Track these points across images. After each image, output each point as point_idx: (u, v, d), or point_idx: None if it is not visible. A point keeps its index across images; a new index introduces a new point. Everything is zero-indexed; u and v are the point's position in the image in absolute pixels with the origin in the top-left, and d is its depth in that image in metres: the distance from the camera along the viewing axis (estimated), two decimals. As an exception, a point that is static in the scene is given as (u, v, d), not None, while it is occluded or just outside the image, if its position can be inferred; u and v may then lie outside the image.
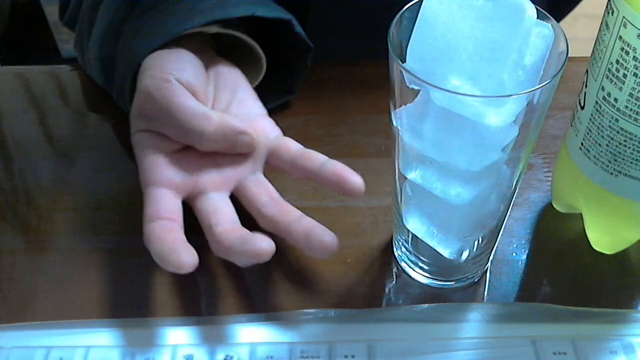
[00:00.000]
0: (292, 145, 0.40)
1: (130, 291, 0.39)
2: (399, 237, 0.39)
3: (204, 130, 0.37)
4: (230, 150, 0.39)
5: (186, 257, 0.34)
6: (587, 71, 0.36)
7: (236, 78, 0.43)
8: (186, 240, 0.35)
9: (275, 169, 0.41)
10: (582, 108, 0.36)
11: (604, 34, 0.33)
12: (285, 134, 0.47)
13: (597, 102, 0.35)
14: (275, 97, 0.48)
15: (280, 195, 0.39)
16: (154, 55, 0.40)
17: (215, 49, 0.46)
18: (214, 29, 0.43)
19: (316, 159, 0.38)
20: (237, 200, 0.39)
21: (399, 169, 0.34)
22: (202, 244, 0.39)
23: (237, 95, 0.42)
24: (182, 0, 0.42)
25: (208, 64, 0.43)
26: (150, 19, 0.42)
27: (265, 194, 0.39)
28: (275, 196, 0.39)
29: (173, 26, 0.41)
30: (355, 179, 0.37)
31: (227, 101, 0.42)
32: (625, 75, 0.32)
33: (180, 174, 0.38)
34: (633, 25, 0.31)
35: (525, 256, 0.40)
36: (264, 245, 0.34)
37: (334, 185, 0.37)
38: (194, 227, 0.38)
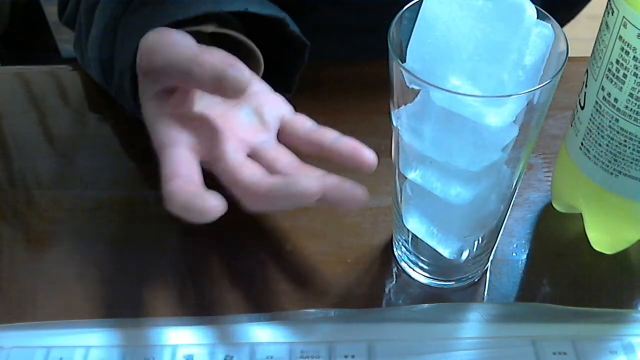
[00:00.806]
0: (306, 121, 0.39)
1: (131, 291, 0.39)
2: (399, 237, 0.39)
3: (195, 57, 0.35)
4: (221, 89, 0.35)
5: (212, 200, 0.32)
6: (587, 71, 0.36)
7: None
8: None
9: (288, 146, 0.39)
10: (582, 108, 0.36)
11: (604, 34, 0.33)
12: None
13: (597, 102, 0.35)
14: None
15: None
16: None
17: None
18: (210, 28, 0.43)
19: (330, 134, 0.38)
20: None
21: (399, 169, 0.34)
22: (207, 241, 0.39)
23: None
24: None
25: None
26: (146, 14, 0.42)
27: (288, 154, 0.38)
28: (295, 159, 0.38)
29: (167, 18, 0.40)
30: (367, 153, 0.36)
31: None
32: (625, 75, 0.32)
33: (196, 136, 0.37)
34: (633, 25, 0.31)
35: (525, 256, 0.40)
36: (313, 183, 0.32)
37: (347, 158, 0.36)
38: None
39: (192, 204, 0.32)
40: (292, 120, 0.40)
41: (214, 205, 0.32)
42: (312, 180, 0.33)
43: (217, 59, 0.35)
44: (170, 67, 0.36)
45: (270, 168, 0.37)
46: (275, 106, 0.40)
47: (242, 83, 0.35)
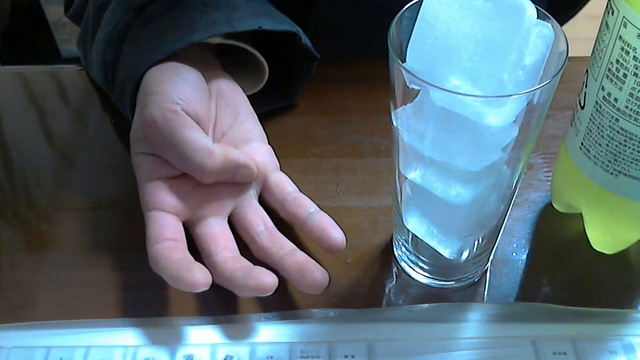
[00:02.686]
0: (286, 186, 0.41)
1: (130, 291, 0.39)
2: (399, 237, 0.39)
3: (206, 166, 0.38)
4: (229, 180, 0.40)
5: (200, 275, 0.35)
6: (587, 71, 0.36)
7: (237, 97, 0.44)
8: (194, 260, 0.36)
9: (266, 204, 0.41)
10: (582, 108, 0.36)
11: (604, 34, 0.33)
12: (286, 133, 0.47)
13: (597, 102, 0.35)
14: (274, 100, 0.48)
15: (274, 225, 0.40)
16: (157, 76, 0.40)
17: (216, 52, 0.46)
18: (217, 40, 0.43)
19: (306, 207, 0.39)
20: (231, 225, 0.40)
21: (399, 169, 0.34)
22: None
23: (239, 118, 0.42)
24: (188, 12, 0.42)
25: (209, 77, 0.42)
26: (156, 28, 0.42)
27: (260, 223, 0.39)
28: (270, 226, 0.39)
29: (177, 39, 0.41)
30: (336, 235, 0.37)
31: (229, 123, 0.42)
32: (625, 75, 0.32)
33: (181, 199, 0.39)
34: (633, 25, 0.31)
35: (525, 256, 0.40)
36: (267, 279, 0.35)
37: (316, 239, 0.38)
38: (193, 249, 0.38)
39: (180, 276, 0.35)
40: (275, 183, 0.41)
41: (201, 279, 0.35)
42: (267, 275, 0.35)
43: (228, 165, 0.38)
44: (180, 161, 0.38)
45: (244, 232, 0.39)
46: (262, 160, 0.41)
47: (251, 178, 0.40)
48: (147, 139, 0.39)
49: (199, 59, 0.42)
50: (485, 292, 0.39)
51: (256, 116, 0.44)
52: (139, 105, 0.40)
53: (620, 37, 0.32)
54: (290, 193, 0.40)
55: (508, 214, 0.36)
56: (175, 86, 0.39)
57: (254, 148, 0.42)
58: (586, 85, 0.36)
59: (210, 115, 0.41)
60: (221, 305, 0.38)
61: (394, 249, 0.40)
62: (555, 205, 0.43)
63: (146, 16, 0.43)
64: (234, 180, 0.39)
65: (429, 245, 0.36)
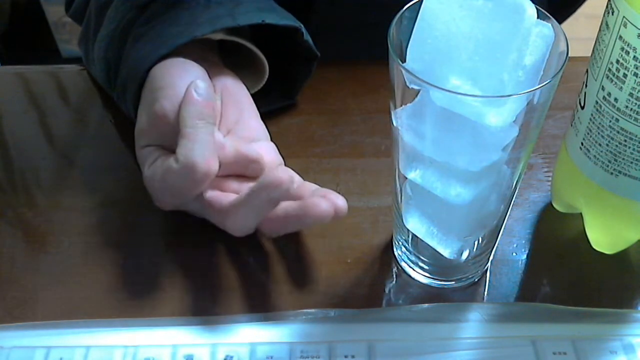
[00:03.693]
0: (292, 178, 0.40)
1: (130, 291, 0.39)
2: (399, 237, 0.39)
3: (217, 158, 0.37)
4: (238, 173, 0.40)
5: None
6: (587, 71, 0.36)
7: (241, 94, 0.43)
8: None
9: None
10: (582, 108, 0.36)
11: (604, 34, 0.33)
12: (286, 133, 0.47)
13: (597, 102, 0.35)
14: (274, 100, 0.48)
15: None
16: (164, 71, 0.40)
17: (218, 49, 0.46)
18: (219, 36, 0.43)
19: (309, 187, 0.39)
20: None
21: (399, 169, 0.34)
22: (207, 241, 0.39)
23: (243, 116, 0.42)
24: (190, 8, 0.42)
25: (213, 74, 0.42)
26: (158, 25, 0.42)
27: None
28: None
29: (180, 34, 0.41)
30: (339, 201, 0.37)
31: (234, 120, 0.42)
32: (625, 75, 0.32)
33: None
34: (633, 25, 0.31)
35: (525, 256, 0.40)
36: (340, 202, 0.35)
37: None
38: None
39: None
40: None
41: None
42: (340, 199, 0.35)
43: (239, 158, 0.39)
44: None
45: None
46: (270, 158, 0.41)
47: (259, 173, 0.40)
48: (156, 132, 0.39)
49: (200, 57, 0.42)
50: (485, 292, 0.39)
51: (259, 115, 0.44)
52: (146, 100, 0.40)
53: (621, 37, 0.32)
54: (296, 183, 0.40)
55: (508, 214, 0.36)
56: (185, 80, 0.39)
57: (261, 146, 0.42)
58: (586, 85, 0.36)
59: (217, 112, 0.41)
60: (221, 305, 0.38)
61: (394, 249, 0.40)
62: (555, 205, 0.43)
63: (148, 14, 0.43)
64: (243, 173, 0.39)
65: (429, 245, 0.36)
